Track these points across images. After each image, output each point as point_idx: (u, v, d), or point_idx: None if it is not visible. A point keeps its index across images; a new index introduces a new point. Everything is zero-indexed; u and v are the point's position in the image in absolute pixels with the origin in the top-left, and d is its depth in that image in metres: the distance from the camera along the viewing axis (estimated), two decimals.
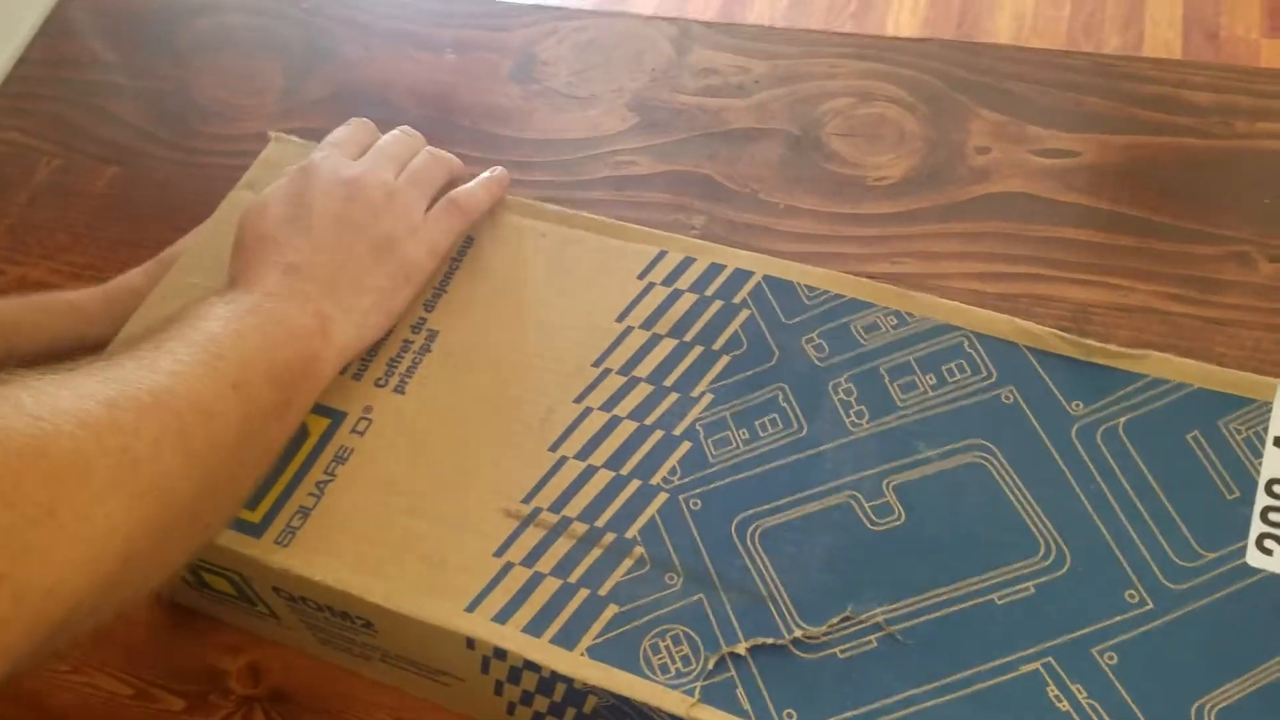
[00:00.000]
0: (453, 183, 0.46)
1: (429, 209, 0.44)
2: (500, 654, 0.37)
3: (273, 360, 0.38)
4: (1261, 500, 0.36)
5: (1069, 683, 0.33)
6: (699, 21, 0.68)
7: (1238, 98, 0.59)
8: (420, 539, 0.39)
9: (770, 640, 0.35)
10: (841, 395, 0.40)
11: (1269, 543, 0.35)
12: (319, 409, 0.41)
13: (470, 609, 0.37)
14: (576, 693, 0.37)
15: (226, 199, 0.49)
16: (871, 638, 0.35)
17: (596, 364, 0.42)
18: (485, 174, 0.47)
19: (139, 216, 0.63)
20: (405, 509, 0.39)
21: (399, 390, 0.42)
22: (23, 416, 0.30)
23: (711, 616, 0.36)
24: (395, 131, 0.47)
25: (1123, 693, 0.33)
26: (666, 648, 0.36)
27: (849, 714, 0.34)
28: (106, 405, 0.31)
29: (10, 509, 0.28)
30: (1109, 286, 0.52)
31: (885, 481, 0.38)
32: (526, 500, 0.39)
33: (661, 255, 0.44)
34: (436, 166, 0.46)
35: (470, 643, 0.37)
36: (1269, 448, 0.37)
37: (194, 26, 0.72)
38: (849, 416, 0.39)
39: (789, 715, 0.34)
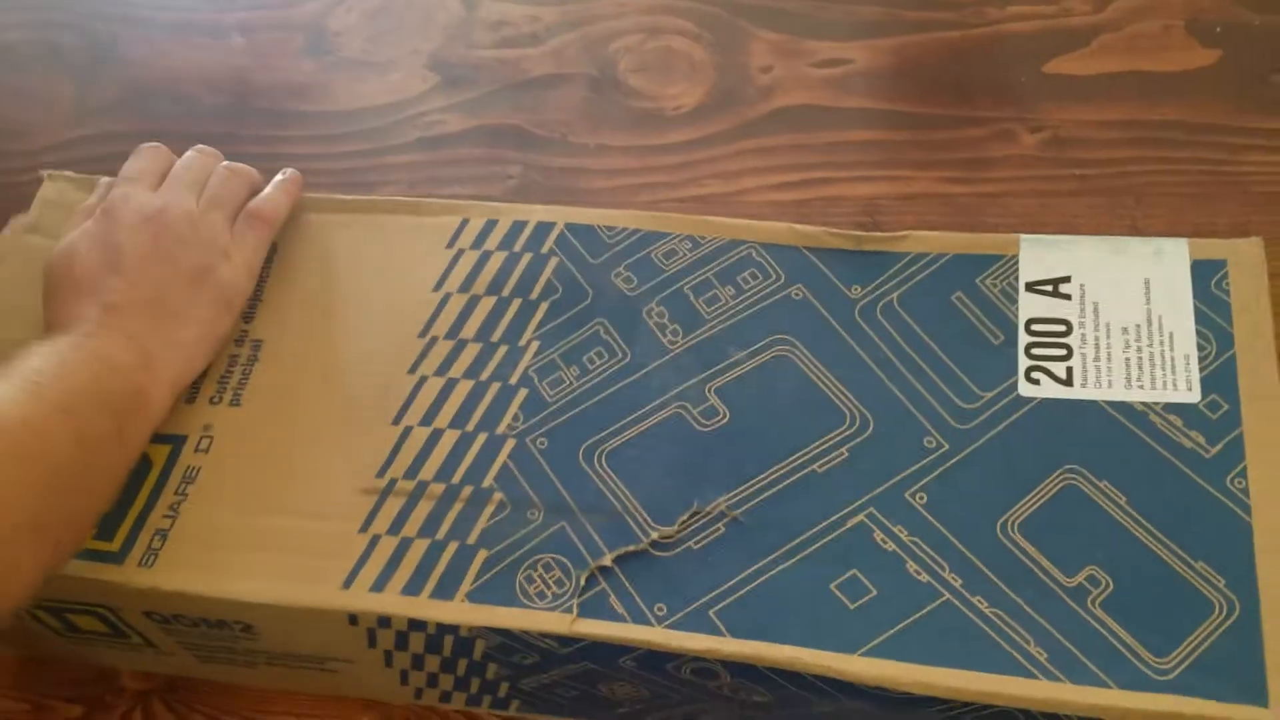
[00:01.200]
0: (253, 194, 0.47)
1: (234, 226, 0.45)
2: (384, 621, 0.39)
3: (101, 390, 0.38)
4: (1024, 339, 0.41)
5: (891, 526, 0.38)
6: None
7: None
8: (284, 534, 0.40)
9: (631, 548, 0.38)
10: (655, 319, 0.43)
11: (1035, 374, 0.41)
12: (158, 438, 0.42)
13: (346, 586, 0.39)
14: (464, 641, 0.39)
15: (8, 245, 0.48)
16: (719, 525, 0.39)
17: (422, 334, 0.44)
18: (279, 177, 0.48)
19: None
20: (263, 510, 0.41)
21: (234, 403, 0.43)
22: None
23: (576, 540, 0.39)
24: (190, 154, 0.47)
25: (938, 525, 0.38)
26: (539, 577, 0.38)
27: (710, 595, 0.37)
28: None
29: None
30: (893, 179, 0.57)
31: (707, 387, 0.42)
32: (380, 475, 0.41)
33: (465, 223, 0.47)
34: (236, 182, 0.46)
35: (353, 618, 0.39)
36: (1022, 294, 0.42)
37: None
38: (665, 336, 0.43)
39: (660, 609, 0.37)
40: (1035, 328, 0.41)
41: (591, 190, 0.59)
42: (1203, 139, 0.58)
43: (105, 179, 0.48)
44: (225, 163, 0.47)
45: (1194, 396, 0.39)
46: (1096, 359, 0.40)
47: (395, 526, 0.40)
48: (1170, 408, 0.39)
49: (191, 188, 0.45)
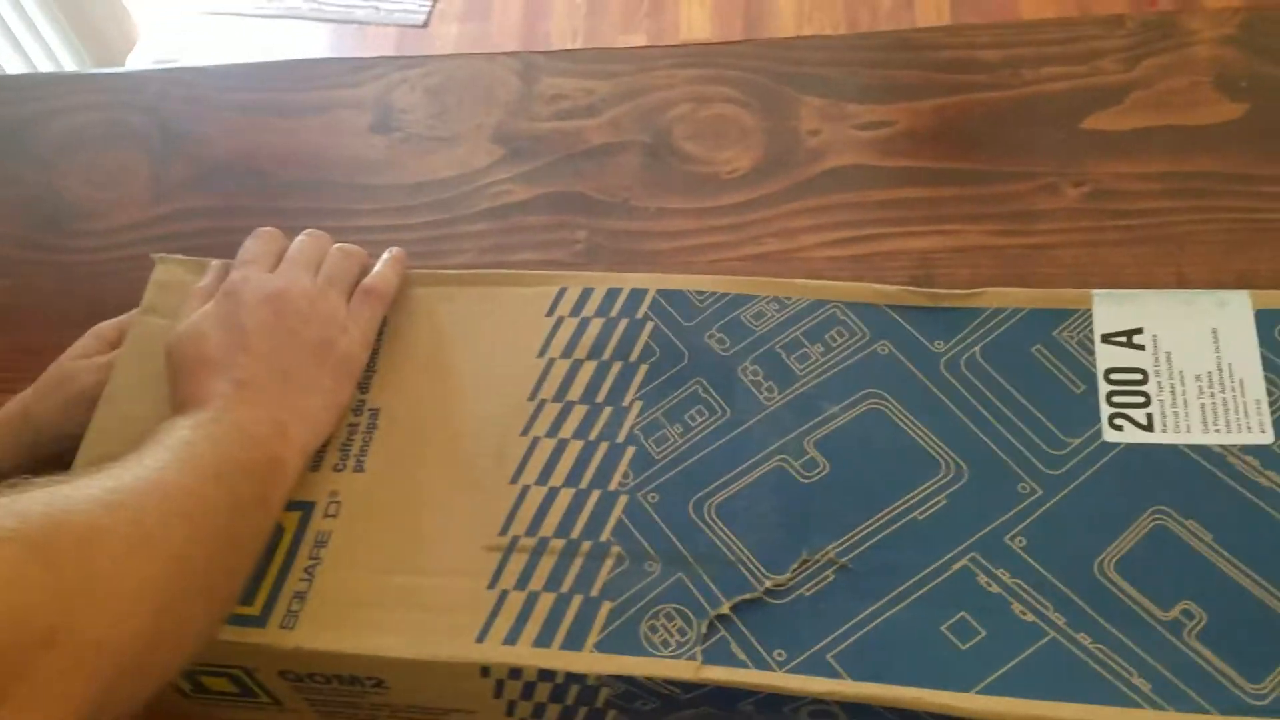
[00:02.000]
0: (364, 272, 0.50)
1: (349, 302, 0.48)
2: (516, 673, 0.41)
3: (243, 458, 0.41)
4: (1104, 388, 0.44)
5: (994, 569, 0.41)
6: (538, 52, 0.73)
7: (1020, 50, 0.68)
8: (416, 592, 0.42)
9: (747, 596, 0.41)
10: (750, 376, 0.46)
11: (1118, 420, 0.43)
12: (288, 505, 0.44)
13: (480, 639, 0.41)
14: (589, 689, 0.41)
15: (132, 327, 0.50)
16: (829, 573, 0.41)
17: (531, 398, 0.46)
18: (385, 255, 0.51)
19: (31, 323, 0.63)
20: (394, 570, 0.43)
21: (358, 469, 0.46)
22: (36, 504, 0.34)
23: (693, 589, 0.41)
24: (302, 236, 0.50)
25: (1038, 567, 0.40)
26: (662, 626, 0.41)
27: (827, 640, 0.40)
28: (108, 492, 0.36)
29: (52, 571, 0.32)
30: (944, 233, 0.60)
31: (805, 440, 0.44)
32: (503, 533, 0.43)
33: (563, 291, 0.49)
34: (348, 262, 0.49)
35: (485, 670, 0.41)
36: (1099, 345, 0.45)
37: (49, 130, 0.72)
38: (761, 393, 0.46)
39: (779, 655, 0.40)
40: (1114, 377, 0.44)
41: (656, 251, 0.62)
42: (1235, 188, 0.62)
43: (216, 261, 0.51)
44: (338, 245, 0.50)
45: (1268, 438, 0.42)
46: (1174, 405, 0.43)
47: (522, 581, 0.42)
48: (1247, 449, 0.42)
49: (308, 268, 0.48)
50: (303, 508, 0.44)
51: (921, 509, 0.42)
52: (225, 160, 0.70)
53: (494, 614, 0.41)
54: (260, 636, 0.42)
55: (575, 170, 0.67)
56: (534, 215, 0.65)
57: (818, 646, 0.40)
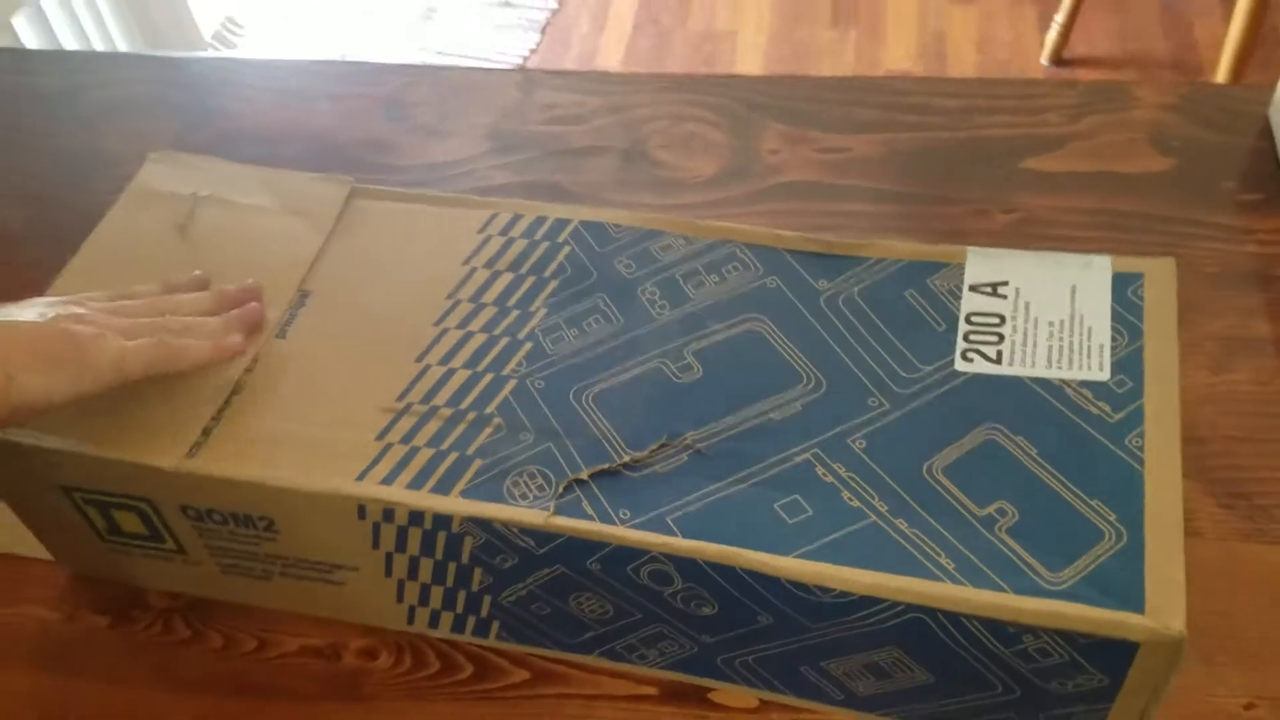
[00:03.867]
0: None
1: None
2: (389, 515, 0.45)
3: None
4: (963, 328, 0.48)
5: (832, 464, 0.44)
6: (542, 70, 0.81)
7: (977, 100, 0.74)
8: (310, 438, 0.46)
9: (605, 466, 0.44)
10: (648, 296, 0.51)
11: (970, 354, 0.47)
12: None
13: (359, 479, 0.45)
14: (455, 539, 0.45)
15: (106, 218, 0.56)
16: (683, 455, 0.45)
17: (449, 296, 0.51)
18: (230, 336, 0.49)
19: (58, 243, 0.70)
20: (294, 419, 0.47)
21: (280, 336, 0.51)
22: None
23: (559, 458, 0.45)
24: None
25: (872, 465, 0.44)
26: (524, 483, 0.44)
27: (667, 506, 0.43)
28: None
29: None
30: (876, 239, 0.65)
31: (685, 348, 0.48)
32: (399, 399, 0.48)
33: (494, 216, 0.55)
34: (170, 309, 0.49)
35: (361, 510, 0.45)
36: (965, 293, 0.49)
37: (95, 97, 0.81)
38: (654, 310, 0.50)
39: (624, 514, 0.43)
40: (974, 319, 0.48)
41: None
42: (1158, 227, 0.66)
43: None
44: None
45: (1104, 375, 0.45)
46: (1024, 344, 0.47)
47: (406, 438, 0.46)
48: (1083, 384, 0.45)
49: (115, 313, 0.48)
50: None
51: (777, 412, 0.46)
52: (244, 132, 0.78)
53: (376, 460, 0.45)
54: (164, 460, 0.46)
55: (556, 165, 0.73)
56: (510, 197, 0.71)
57: (659, 510, 0.43)
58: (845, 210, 0.68)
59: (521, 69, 0.80)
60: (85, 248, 0.54)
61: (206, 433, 0.47)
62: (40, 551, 0.54)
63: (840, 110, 0.75)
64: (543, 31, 2.07)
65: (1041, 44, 1.79)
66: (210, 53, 1.89)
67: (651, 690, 0.49)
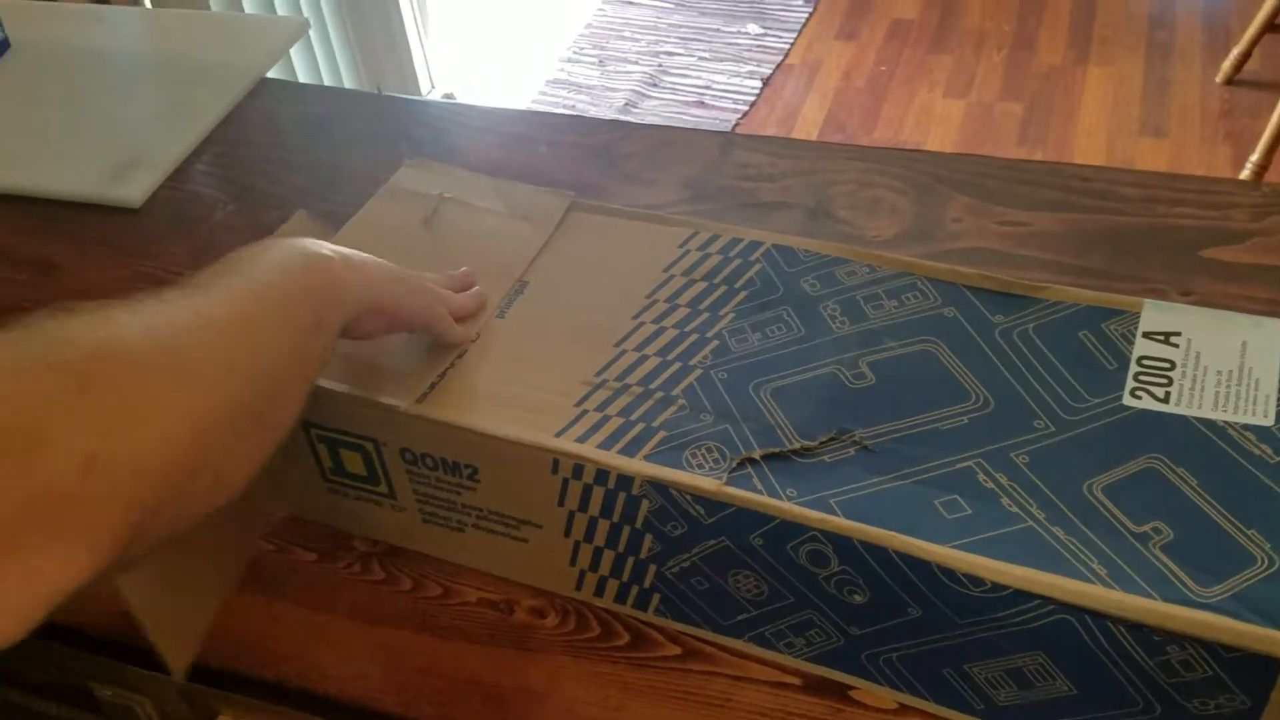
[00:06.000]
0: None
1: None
2: (578, 470, 0.50)
3: (305, 281, 0.45)
4: (1133, 369, 0.50)
5: (994, 473, 0.46)
6: (741, 134, 0.87)
7: (1160, 192, 0.77)
8: (519, 398, 0.52)
9: (777, 450, 0.48)
10: (829, 311, 0.55)
11: (1138, 392, 0.49)
12: None
13: (558, 435, 0.50)
14: (632, 501, 0.49)
15: (365, 207, 0.65)
16: (850, 449, 0.48)
17: (648, 296, 0.57)
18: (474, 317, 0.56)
19: None
20: (508, 381, 0.53)
21: (500, 316, 0.57)
22: (92, 330, 0.36)
23: (735, 439, 0.49)
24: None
25: (1033, 478, 0.46)
26: (702, 456, 0.49)
27: (831, 490, 0.46)
28: (157, 325, 0.38)
29: (89, 395, 0.34)
30: None
31: (860, 359, 0.52)
32: (597, 375, 0.53)
33: (695, 233, 0.60)
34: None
35: (555, 464, 0.50)
36: (1139, 339, 0.51)
37: (347, 127, 0.91)
38: (834, 324, 0.54)
39: (790, 492, 0.47)
40: (1144, 362, 0.50)
41: None
42: None
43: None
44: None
45: (1269, 421, 0.46)
46: (1192, 388, 0.49)
47: (600, 407, 0.51)
48: (1247, 427, 0.46)
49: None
50: None
51: (944, 423, 0.49)
52: (473, 165, 0.84)
53: (573, 422, 0.51)
54: (399, 401, 0.52)
55: (745, 215, 0.79)
56: None
57: (824, 493, 0.46)
58: (1022, 279, 0.71)
59: (723, 134, 0.86)
60: (345, 230, 0.62)
61: (433, 386, 0.53)
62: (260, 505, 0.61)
63: (1023, 189, 0.78)
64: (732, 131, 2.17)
65: None
66: (446, 99, 2.06)
67: (794, 680, 0.52)
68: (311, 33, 1.79)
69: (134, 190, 0.82)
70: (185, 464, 0.37)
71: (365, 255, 0.51)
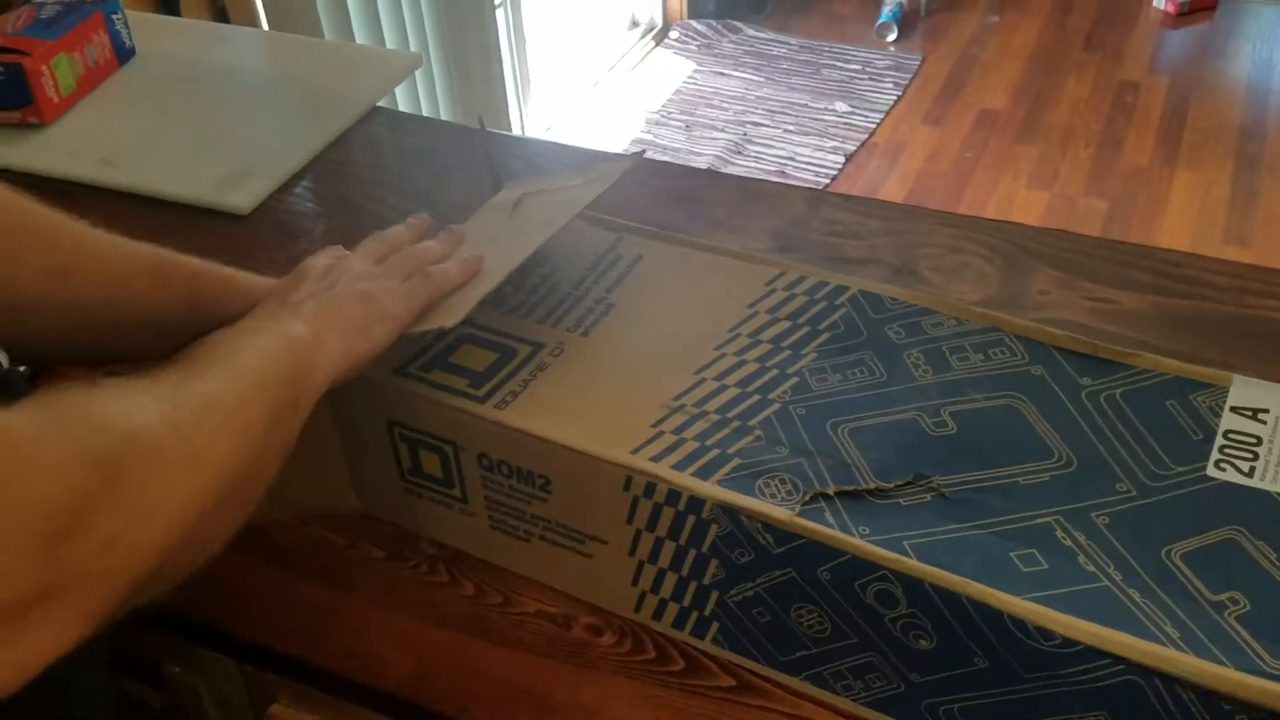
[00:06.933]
0: (437, 261, 0.59)
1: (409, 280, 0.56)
2: (650, 489, 0.50)
3: (282, 366, 0.48)
4: (1219, 441, 0.49)
5: (1073, 531, 0.46)
6: (829, 191, 0.88)
7: (1250, 283, 0.76)
8: (597, 415, 0.53)
9: (852, 488, 0.48)
10: (913, 359, 0.55)
11: (1222, 464, 0.48)
12: (526, 340, 0.57)
13: (633, 452, 0.51)
14: (701, 525, 0.49)
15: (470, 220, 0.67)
16: (927, 495, 0.48)
17: (731, 330, 0.58)
18: (462, 253, 0.59)
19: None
20: (587, 398, 0.54)
21: (584, 334, 0.58)
22: (122, 417, 0.39)
23: (810, 473, 0.49)
24: (398, 227, 0.62)
25: (1111, 539, 0.46)
26: (775, 486, 0.49)
27: (905, 533, 0.46)
28: (172, 408, 0.41)
29: (118, 487, 0.37)
30: None
31: (942, 407, 0.52)
32: (676, 399, 0.54)
33: (782, 273, 0.61)
34: (419, 253, 0.59)
35: (628, 481, 0.50)
36: (1226, 412, 0.51)
37: (445, 157, 0.94)
38: (917, 372, 0.54)
39: (863, 530, 0.47)
40: (1230, 436, 0.50)
41: None
42: None
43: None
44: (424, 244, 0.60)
45: None
46: (1278, 465, 0.48)
47: (678, 430, 0.52)
48: None
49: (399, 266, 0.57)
50: (534, 345, 0.57)
51: (1025, 477, 0.49)
52: None
53: (649, 441, 0.51)
54: (478, 409, 0.53)
55: (829, 268, 0.79)
56: None
57: (898, 534, 0.46)
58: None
59: (812, 189, 0.87)
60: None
61: (515, 395, 0.54)
62: (330, 503, 0.62)
63: (1111, 268, 0.78)
64: None
65: None
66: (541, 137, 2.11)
67: None
68: None
69: (245, 198, 0.85)
70: (184, 537, 0.40)
71: (334, 318, 0.52)
